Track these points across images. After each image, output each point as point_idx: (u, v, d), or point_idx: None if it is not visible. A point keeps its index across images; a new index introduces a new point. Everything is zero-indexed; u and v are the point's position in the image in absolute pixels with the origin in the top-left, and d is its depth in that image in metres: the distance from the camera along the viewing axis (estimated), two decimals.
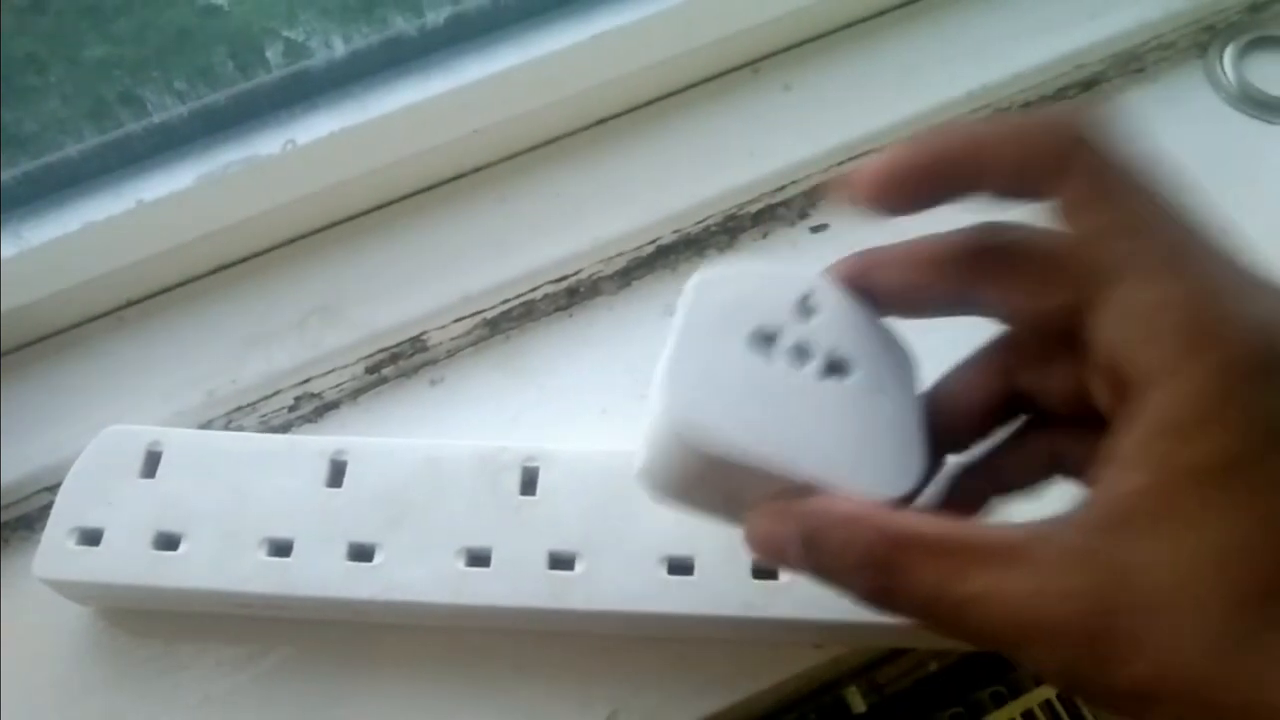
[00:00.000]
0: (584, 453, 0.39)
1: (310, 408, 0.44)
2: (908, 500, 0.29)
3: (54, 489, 0.39)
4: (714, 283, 0.31)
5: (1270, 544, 0.22)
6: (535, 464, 0.39)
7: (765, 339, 0.30)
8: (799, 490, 0.28)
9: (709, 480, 0.29)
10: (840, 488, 0.28)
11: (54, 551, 0.38)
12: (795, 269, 0.32)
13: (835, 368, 0.30)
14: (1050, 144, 0.27)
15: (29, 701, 0.39)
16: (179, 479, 0.39)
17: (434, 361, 0.45)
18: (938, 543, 0.25)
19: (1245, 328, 0.23)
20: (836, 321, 0.31)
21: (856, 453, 0.29)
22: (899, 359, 0.32)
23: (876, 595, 0.26)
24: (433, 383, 0.45)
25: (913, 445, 0.30)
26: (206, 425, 0.43)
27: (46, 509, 0.39)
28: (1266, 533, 0.22)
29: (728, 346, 0.30)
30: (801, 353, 0.30)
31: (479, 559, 0.38)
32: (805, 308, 0.31)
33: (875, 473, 0.29)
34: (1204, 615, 0.22)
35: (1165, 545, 0.22)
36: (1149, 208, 0.26)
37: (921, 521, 0.26)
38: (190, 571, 0.38)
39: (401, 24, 0.45)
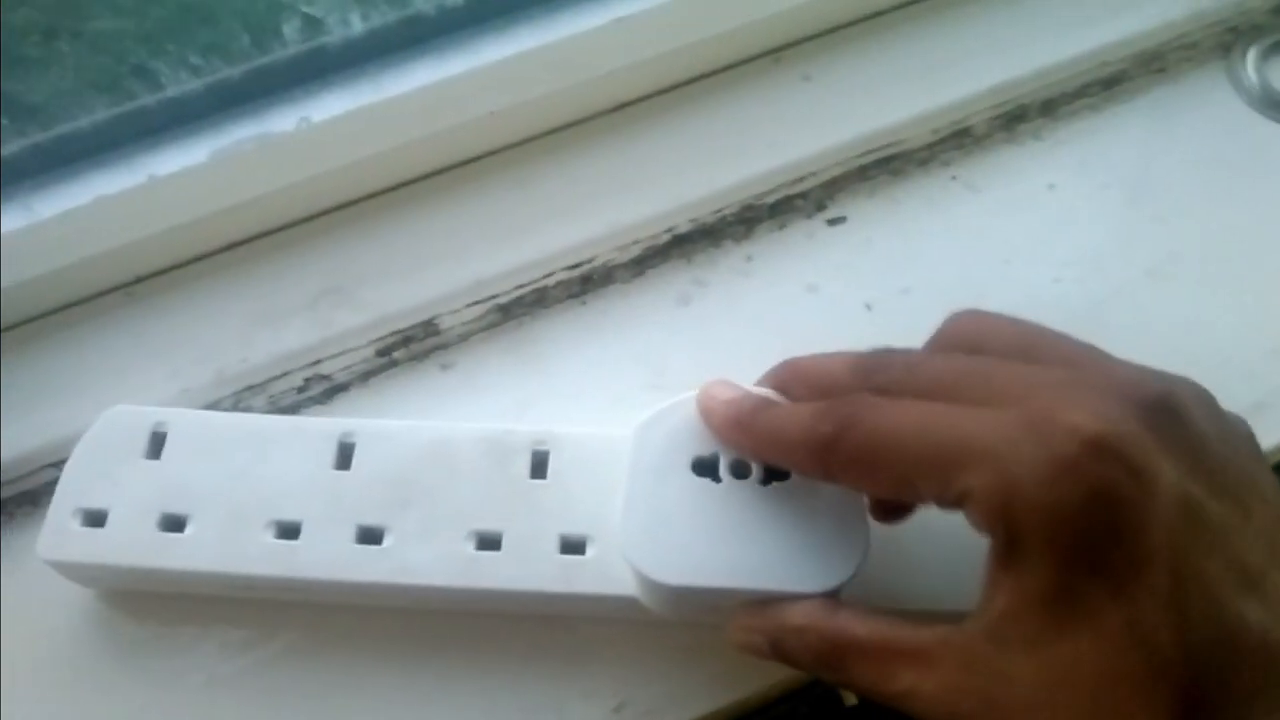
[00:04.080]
0: (594, 435, 0.38)
1: (320, 389, 0.43)
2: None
3: (59, 465, 0.38)
4: (654, 422, 0.35)
5: (1102, 656, 0.26)
6: (545, 447, 0.37)
7: (707, 464, 0.34)
8: (759, 600, 0.32)
9: (684, 599, 0.34)
10: (790, 590, 0.32)
11: (58, 532, 0.36)
12: None
13: (775, 472, 0.34)
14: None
15: (30, 681, 0.37)
16: (185, 460, 0.37)
17: (445, 346, 0.44)
18: (870, 647, 0.29)
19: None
20: None
21: (802, 550, 0.33)
22: None
23: (837, 684, 0.32)
24: (444, 367, 0.43)
25: (855, 526, 0.33)
26: (214, 405, 0.42)
27: (52, 485, 0.37)
28: (1096, 648, 0.26)
29: (673, 479, 0.34)
30: (740, 467, 0.34)
31: (489, 542, 0.36)
32: None
33: (820, 566, 0.32)
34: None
35: (1027, 660, 0.26)
36: None
37: (858, 624, 0.30)
38: (196, 554, 0.36)
39: (420, 2, 0.43)
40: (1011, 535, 0.26)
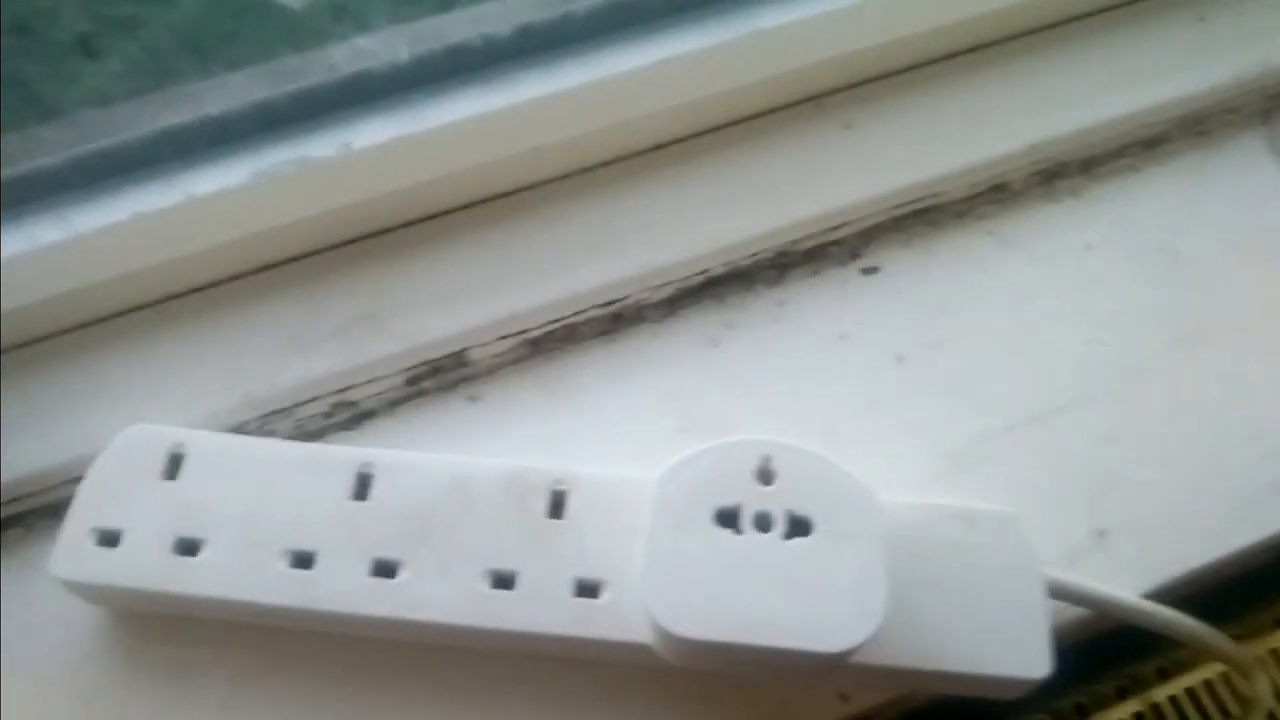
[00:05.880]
0: (614, 478, 0.36)
1: (346, 416, 0.41)
2: None
3: (80, 481, 0.36)
4: (678, 471, 0.33)
5: None
6: (564, 487, 0.36)
7: (729, 515, 0.32)
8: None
9: (700, 651, 0.32)
10: (807, 648, 0.31)
11: (72, 551, 0.34)
12: (752, 438, 0.34)
13: (798, 526, 0.32)
14: None
15: (39, 701, 0.35)
16: (202, 483, 0.35)
17: (474, 378, 0.42)
18: None
19: None
20: (795, 481, 0.33)
21: (821, 608, 0.31)
22: (859, 502, 0.33)
23: None
24: (471, 399, 0.41)
25: (873, 586, 0.31)
26: (240, 427, 0.40)
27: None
28: None
29: (696, 530, 0.32)
30: (764, 520, 0.32)
31: (504, 581, 0.34)
32: (765, 473, 0.33)
33: (838, 624, 0.31)
34: None
35: None
36: None
37: None
38: (209, 579, 0.34)
39: (466, 33, 0.41)
40: None
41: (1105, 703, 0.54)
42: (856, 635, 0.31)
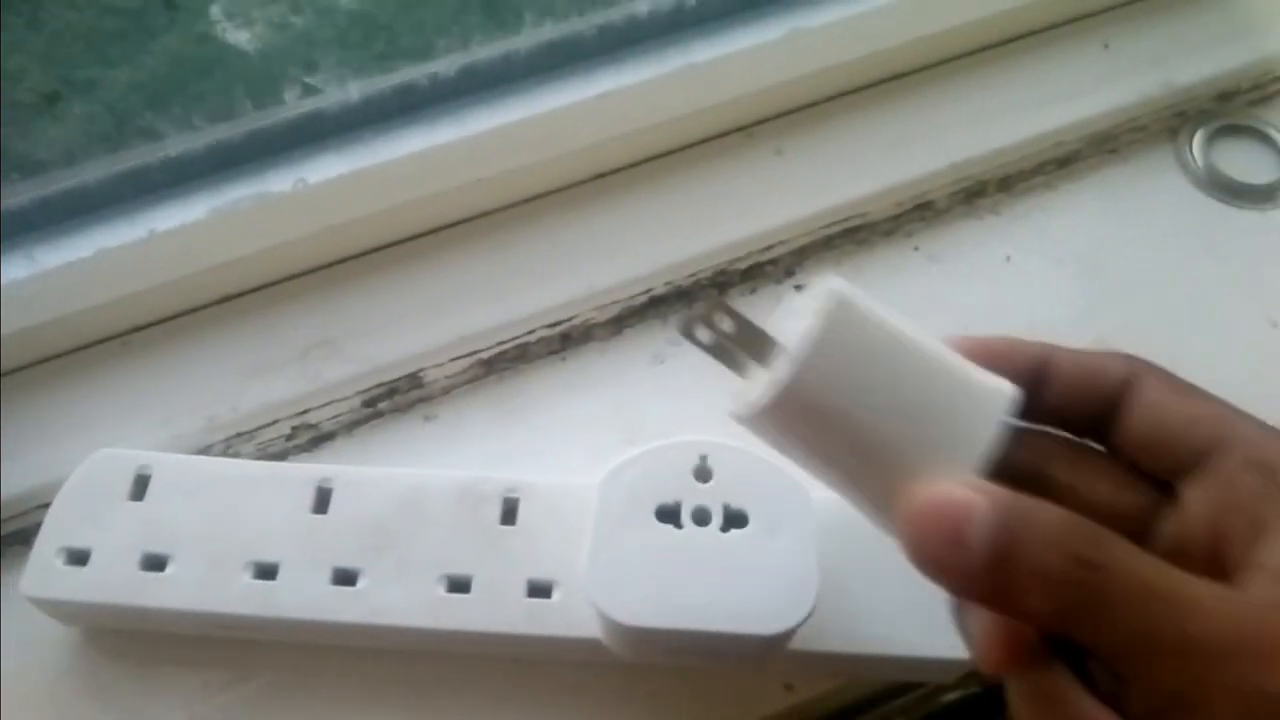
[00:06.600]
0: (563, 485, 0.37)
1: (307, 438, 0.42)
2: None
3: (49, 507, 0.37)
4: (621, 471, 0.34)
5: None
6: (515, 495, 0.37)
7: (670, 511, 0.34)
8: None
9: (644, 640, 0.33)
10: (745, 632, 0.32)
11: (42, 570, 0.35)
12: (690, 438, 0.35)
13: (735, 519, 0.34)
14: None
15: (13, 715, 0.36)
16: (167, 502, 0.36)
17: (430, 398, 0.43)
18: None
19: None
20: (731, 478, 0.34)
21: (757, 594, 0.32)
22: (791, 496, 0.34)
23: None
24: (427, 419, 0.42)
25: (806, 573, 0.32)
26: (205, 450, 0.40)
27: None
28: None
29: (638, 526, 0.33)
30: (702, 514, 0.34)
31: (459, 585, 0.35)
32: (702, 471, 0.34)
33: (774, 609, 0.32)
34: None
35: None
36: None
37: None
38: (176, 592, 0.35)
39: (414, 73, 0.43)
40: None
41: None
42: (792, 618, 0.32)
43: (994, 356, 0.27)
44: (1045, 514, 0.23)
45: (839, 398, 0.25)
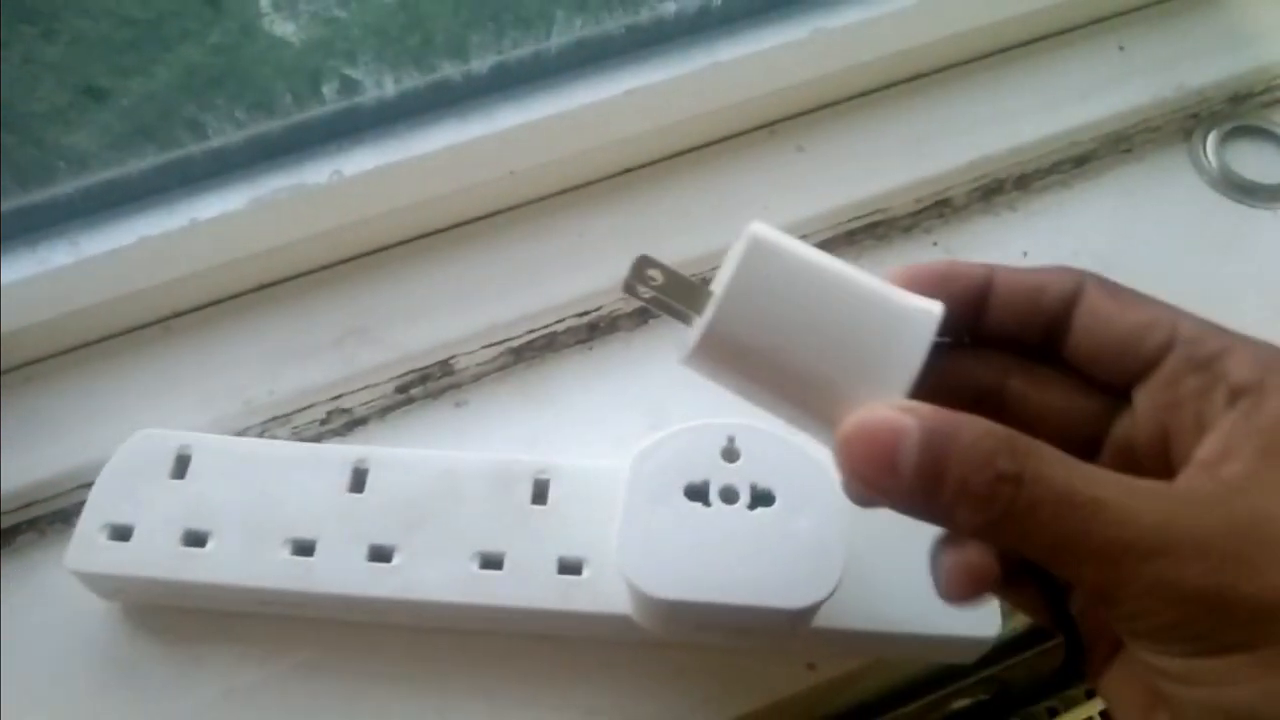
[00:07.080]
0: (593, 467, 0.38)
1: (340, 422, 0.42)
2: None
3: (93, 485, 0.37)
4: (650, 451, 0.35)
5: None
6: (546, 476, 0.37)
7: (698, 490, 0.34)
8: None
9: (674, 614, 0.33)
10: (772, 605, 0.32)
11: (85, 545, 0.36)
12: (718, 421, 0.35)
13: (761, 499, 0.34)
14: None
15: (53, 691, 0.36)
16: (207, 481, 0.37)
17: (460, 385, 0.44)
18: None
19: None
20: (758, 458, 0.35)
21: (784, 569, 0.33)
22: (816, 477, 0.34)
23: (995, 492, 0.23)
24: (458, 405, 0.43)
25: (831, 553, 0.33)
26: (242, 433, 0.41)
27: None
28: None
29: (668, 504, 0.34)
30: (730, 493, 0.34)
31: (492, 562, 0.36)
32: (730, 452, 0.35)
33: (800, 584, 0.32)
34: None
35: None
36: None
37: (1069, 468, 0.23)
38: (217, 567, 0.36)
39: (448, 69, 0.43)
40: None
41: (1074, 702, 0.56)
42: (817, 593, 0.32)
43: (935, 280, 0.27)
44: (968, 430, 0.23)
45: (763, 333, 0.26)
